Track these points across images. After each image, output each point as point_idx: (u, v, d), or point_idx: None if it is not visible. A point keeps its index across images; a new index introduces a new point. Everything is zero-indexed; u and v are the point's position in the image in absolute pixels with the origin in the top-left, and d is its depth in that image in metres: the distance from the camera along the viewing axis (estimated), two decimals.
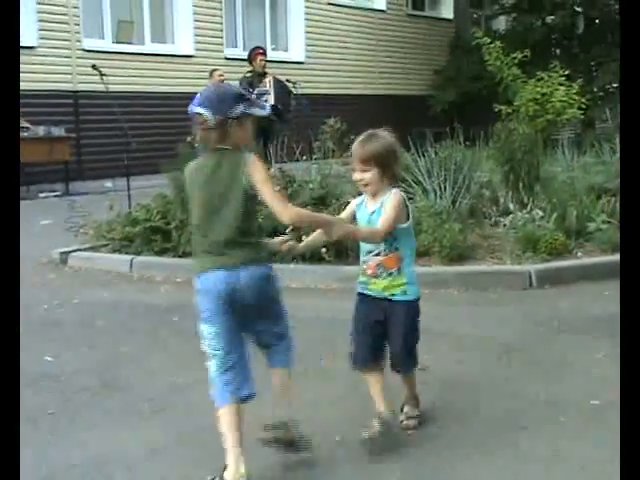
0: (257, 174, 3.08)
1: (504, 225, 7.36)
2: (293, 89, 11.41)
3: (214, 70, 11.81)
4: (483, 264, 6.46)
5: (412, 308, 3.58)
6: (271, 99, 10.95)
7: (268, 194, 3.09)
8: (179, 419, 3.77)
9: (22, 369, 4.37)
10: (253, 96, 10.75)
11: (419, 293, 3.61)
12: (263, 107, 3.40)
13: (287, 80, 11.44)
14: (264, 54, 11.45)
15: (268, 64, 11.60)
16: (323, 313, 5.50)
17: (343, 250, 6.41)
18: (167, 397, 4.04)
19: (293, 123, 11.23)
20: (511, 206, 7.61)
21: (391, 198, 3.42)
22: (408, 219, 3.49)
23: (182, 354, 4.69)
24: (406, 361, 3.61)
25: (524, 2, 20.55)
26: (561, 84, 13.10)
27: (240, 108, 3.17)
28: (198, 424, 3.68)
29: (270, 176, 3.42)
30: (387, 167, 3.41)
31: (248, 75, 11.28)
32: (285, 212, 3.09)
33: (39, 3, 12.80)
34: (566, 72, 13.32)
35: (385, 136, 3.47)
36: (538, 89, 13.16)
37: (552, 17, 19.71)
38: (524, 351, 4.69)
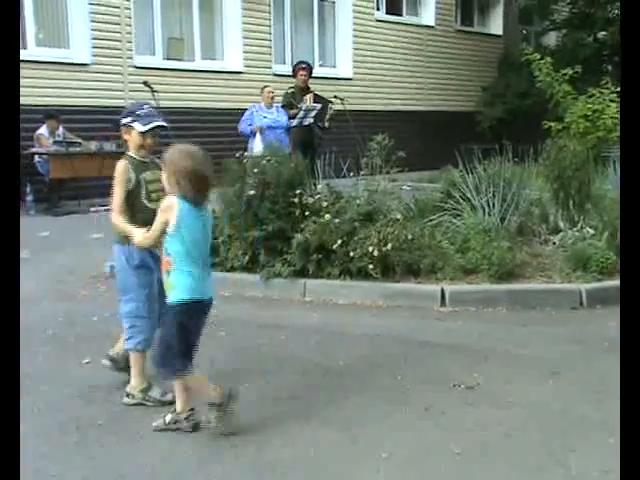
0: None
1: (554, 243, 7.28)
2: (341, 105, 11.41)
3: (265, 87, 11.90)
4: (532, 282, 6.38)
5: (170, 310, 3.75)
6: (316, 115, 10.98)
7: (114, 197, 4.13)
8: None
9: (72, 380, 4.48)
10: (301, 112, 10.82)
11: (180, 298, 3.72)
12: (144, 124, 4.18)
13: (335, 96, 11.46)
14: (306, 69, 11.44)
15: (317, 80, 11.62)
16: (368, 329, 5.49)
17: (390, 266, 6.40)
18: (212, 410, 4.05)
19: (340, 140, 11.24)
20: (561, 224, 7.52)
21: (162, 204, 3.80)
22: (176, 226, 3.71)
23: (228, 368, 4.73)
24: (156, 360, 3.82)
25: (575, 18, 20.37)
26: (612, 101, 12.93)
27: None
28: (242, 437, 3.70)
29: (121, 183, 4.16)
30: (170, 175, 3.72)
31: (290, 91, 11.34)
32: (115, 213, 4.11)
33: (93, 21, 13.07)
34: (618, 89, 13.14)
35: (179, 149, 3.77)
36: (589, 106, 13.02)
37: (603, 33, 19.48)
38: (573, 371, 4.62)
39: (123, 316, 4.24)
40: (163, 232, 3.74)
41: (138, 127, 4.18)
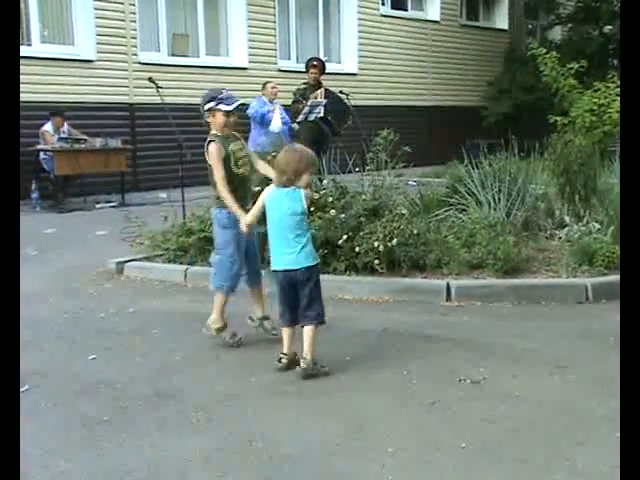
0: (210, 159, 4.86)
1: (559, 238, 7.26)
2: (346, 101, 11.36)
3: (267, 82, 11.89)
4: (538, 277, 6.37)
5: None
6: (321, 111, 10.93)
7: (215, 174, 4.83)
8: (231, 428, 3.79)
9: (78, 376, 4.50)
10: (307, 107, 10.79)
11: None
12: (229, 104, 4.83)
13: (340, 91, 11.42)
14: (317, 67, 11.38)
15: (322, 76, 11.57)
16: (374, 324, 5.48)
17: (395, 262, 6.39)
18: (218, 406, 4.07)
19: (345, 135, 11.22)
20: (567, 219, 7.51)
21: None
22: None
23: (232, 364, 4.74)
24: None
25: (580, 12, 20.31)
26: (618, 95, 12.88)
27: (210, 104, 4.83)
28: (249, 433, 3.70)
29: (217, 160, 4.81)
30: None
31: (302, 87, 11.32)
32: (220, 188, 4.82)
33: (97, 17, 13.08)
34: None
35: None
36: (595, 100, 12.97)
37: (609, 27, 19.42)
38: (579, 366, 4.61)
39: (212, 263, 5.13)
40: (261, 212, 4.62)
41: (224, 107, 4.81)
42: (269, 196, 4.53)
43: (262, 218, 4.70)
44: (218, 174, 4.83)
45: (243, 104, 4.88)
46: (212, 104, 4.84)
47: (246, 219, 4.71)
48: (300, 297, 4.49)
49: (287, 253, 4.44)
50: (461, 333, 5.29)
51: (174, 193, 9.24)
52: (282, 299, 4.56)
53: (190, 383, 4.41)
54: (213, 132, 4.92)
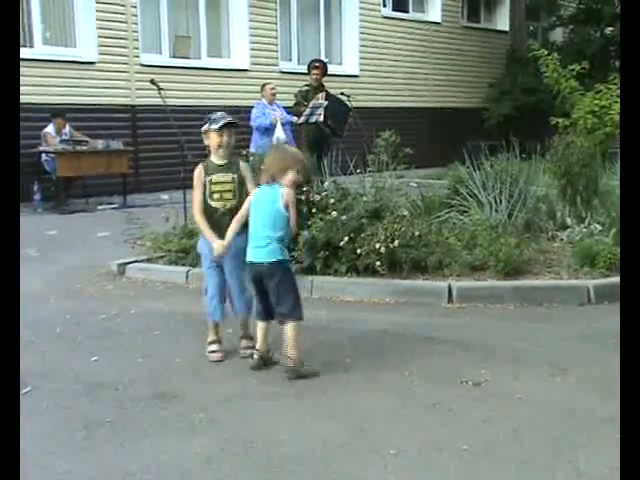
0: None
1: (561, 239, 7.26)
2: (348, 102, 11.35)
3: (266, 84, 11.87)
4: (539, 279, 6.37)
5: None
6: (322, 113, 10.91)
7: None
8: (232, 429, 3.79)
9: (79, 377, 4.50)
10: (308, 109, 10.78)
11: None
12: (217, 123, 4.75)
13: (341, 93, 11.41)
14: (319, 68, 11.33)
15: (324, 77, 11.55)
16: (375, 326, 5.48)
17: (397, 263, 6.39)
18: (220, 407, 4.06)
19: (347, 137, 11.20)
20: (568, 220, 7.51)
21: None
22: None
23: (233, 365, 4.74)
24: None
25: (582, 14, 20.32)
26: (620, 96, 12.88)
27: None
28: (250, 434, 3.70)
29: (196, 185, 4.80)
30: None
31: (304, 89, 11.31)
32: (194, 213, 4.86)
33: (99, 20, 13.09)
34: None
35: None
36: (596, 102, 12.97)
37: (610, 28, 19.43)
38: (579, 368, 4.60)
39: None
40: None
41: (212, 127, 4.76)
42: (255, 195, 4.60)
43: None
44: (194, 198, 4.82)
45: (231, 123, 4.76)
46: (205, 126, 4.85)
47: (219, 243, 4.64)
48: (269, 292, 4.52)
49: (255, 246, 4.50)
50: (462, 335, 5.29)
51: (176, 194, 9.24)
52: (254, 292, 4.64)
53: (191, 384, 4.41)
54: (210, 157, 4.86)
